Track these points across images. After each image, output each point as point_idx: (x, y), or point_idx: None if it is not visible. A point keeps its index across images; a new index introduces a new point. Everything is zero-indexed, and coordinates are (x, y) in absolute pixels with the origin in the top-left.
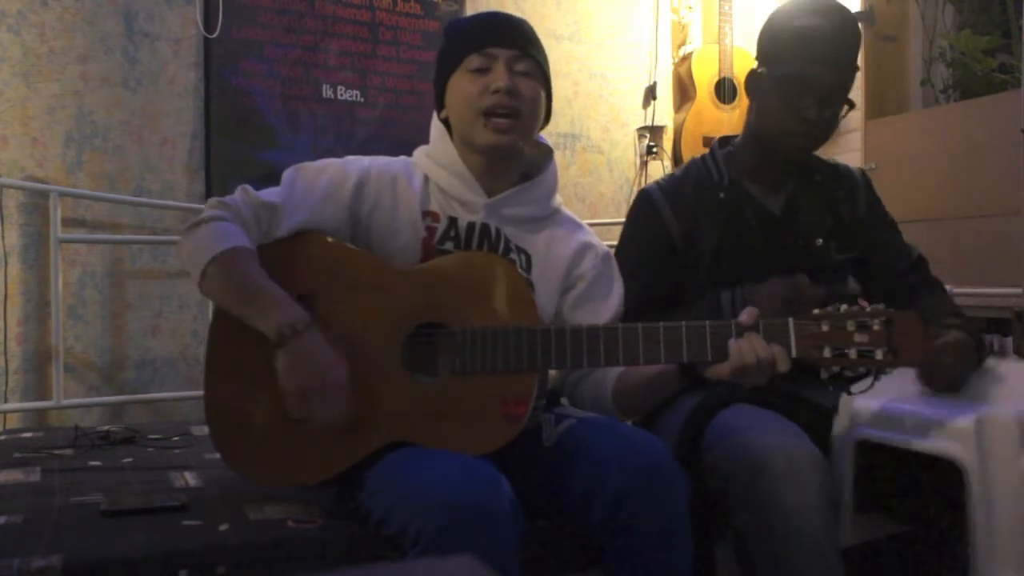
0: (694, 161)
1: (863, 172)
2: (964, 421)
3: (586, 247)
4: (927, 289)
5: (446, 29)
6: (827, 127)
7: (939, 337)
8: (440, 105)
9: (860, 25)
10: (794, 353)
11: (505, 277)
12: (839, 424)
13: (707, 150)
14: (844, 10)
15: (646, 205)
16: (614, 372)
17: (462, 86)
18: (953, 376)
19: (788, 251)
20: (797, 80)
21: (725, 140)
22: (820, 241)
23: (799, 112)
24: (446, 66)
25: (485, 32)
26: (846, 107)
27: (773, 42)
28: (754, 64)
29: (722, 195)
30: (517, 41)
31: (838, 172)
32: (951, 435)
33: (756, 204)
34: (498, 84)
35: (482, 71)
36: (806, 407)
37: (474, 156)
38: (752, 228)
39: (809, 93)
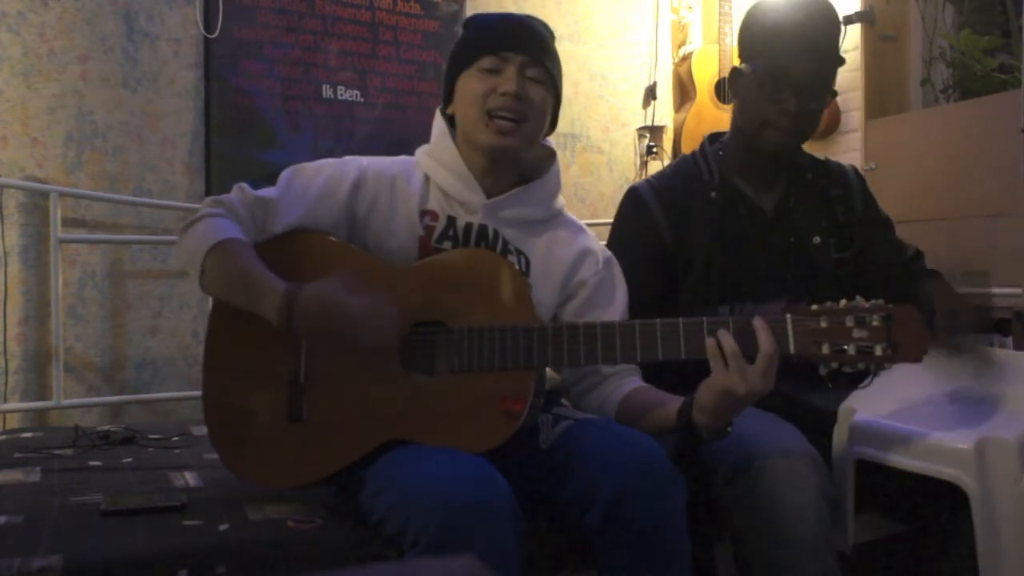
0: (684, 158)
1: (856, 169)
2: (964, 443)
3: (587, 252)
4: (926, 276)
5: (467, 22)
6: (809, 120)
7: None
8: (447, 100)
9: (840, 16)
10: (792, 350)
11: (503, 275)
12: (838, 437)
13: None
14: (820, 1)
15: (636, 205)
16: (615, 397)
17: (471, 84)
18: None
19: (783, 250)
20: (774, 74)
21: (714, 137)
22: (817, 240)
23: (779, 105)
24: (459, 62)
25: (503, 35)
26: (829, 97)
27: (750, 38)
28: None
29: (713, 194)
30: (533, 48)
31: (829, 169)
32: (952, 457)
33: (748, 203)
34: (506, 87)
35: (493, 72)
36: (805, 409)
37: (475, 155)
38: (745, 227)
39: (787, 86)
